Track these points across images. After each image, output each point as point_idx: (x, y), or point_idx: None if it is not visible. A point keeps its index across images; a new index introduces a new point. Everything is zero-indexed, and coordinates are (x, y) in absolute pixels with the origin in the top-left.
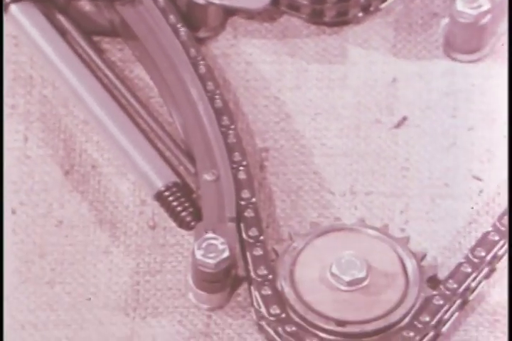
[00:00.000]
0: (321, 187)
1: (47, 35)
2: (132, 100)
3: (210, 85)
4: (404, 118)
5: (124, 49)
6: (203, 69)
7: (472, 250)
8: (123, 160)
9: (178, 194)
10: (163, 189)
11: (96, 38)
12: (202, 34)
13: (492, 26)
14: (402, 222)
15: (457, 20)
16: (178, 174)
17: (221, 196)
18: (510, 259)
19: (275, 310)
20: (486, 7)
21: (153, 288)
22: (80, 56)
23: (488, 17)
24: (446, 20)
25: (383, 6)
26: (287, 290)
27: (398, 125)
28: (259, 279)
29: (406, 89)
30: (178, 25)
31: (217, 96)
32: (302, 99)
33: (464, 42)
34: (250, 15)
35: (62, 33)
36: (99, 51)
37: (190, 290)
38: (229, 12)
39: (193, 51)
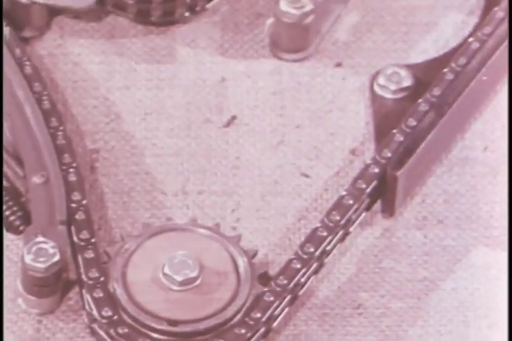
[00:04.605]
0: (153, 187)
1: None
2: None
3: (37, 86)
4: (234, 118)
5: None
6: (29, 69)
7: (301, 246)
8: None
9: (6, 198)
10: None
11: None
12: (27, 33)
13: (315, 26)
14: (234, 220)
15: (281, 20)
16: (6, 177)
17: (51, 199)
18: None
19: (107, 312)
20: (308, 7)
21: None
22: None
23: (312, 17)
24: (271, 20)
25: (209, 5)
26: (119, 292)
27: (228, 124)
28: (90, 282)
29: (234, 89)
30: (2, 24)
31: (44, 97)
32: (132, 99)
33: (289, 41)
34: (76, 14)
35: None
36: None
37: (19, 295)
38: (54, 11)
39: (18, 51)
